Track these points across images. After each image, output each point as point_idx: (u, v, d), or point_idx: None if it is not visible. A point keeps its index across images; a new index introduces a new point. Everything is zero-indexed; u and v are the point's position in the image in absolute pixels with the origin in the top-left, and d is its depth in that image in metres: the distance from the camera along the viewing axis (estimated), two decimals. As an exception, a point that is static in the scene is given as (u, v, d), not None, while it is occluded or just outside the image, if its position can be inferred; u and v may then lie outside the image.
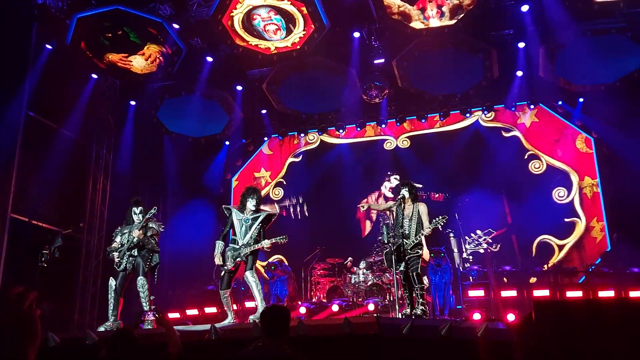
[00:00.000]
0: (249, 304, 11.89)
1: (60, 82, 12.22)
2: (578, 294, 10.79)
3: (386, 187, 14.88)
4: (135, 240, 8.18)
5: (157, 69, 12.50)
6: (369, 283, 11.53)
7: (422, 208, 7.85)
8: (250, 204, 8.02)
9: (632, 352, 4.23)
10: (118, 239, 8.39)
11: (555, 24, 11.49)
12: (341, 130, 15.32)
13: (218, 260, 7.92)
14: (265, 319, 3.87)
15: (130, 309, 11.48)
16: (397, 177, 14.41)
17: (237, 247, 7.88)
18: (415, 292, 7.57)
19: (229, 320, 7.83)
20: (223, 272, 7.94)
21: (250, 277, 7.83)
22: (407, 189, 8.01)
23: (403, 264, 7.60)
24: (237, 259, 7.81)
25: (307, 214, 15.13)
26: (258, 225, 7.90)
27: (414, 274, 7.56)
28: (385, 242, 7.83)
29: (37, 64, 11.56)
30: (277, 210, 14.35)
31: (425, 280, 10.27)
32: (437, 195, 13.97)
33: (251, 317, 7.64)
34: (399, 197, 7.98)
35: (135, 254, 8.21)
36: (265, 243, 7.73)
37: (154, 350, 4.38)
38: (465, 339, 5.52)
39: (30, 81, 11.42)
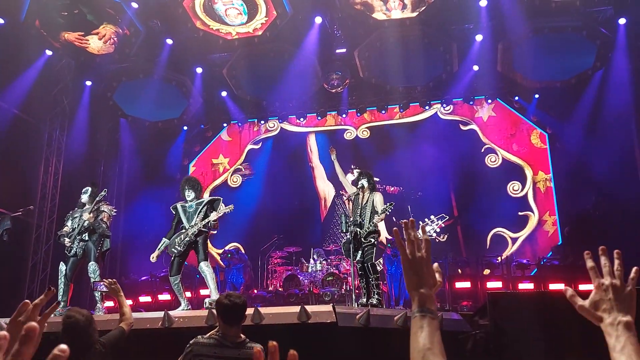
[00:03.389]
0: (203, 292, 11.77)
1: (11, 59, 11.81)
2: (530, 286, 11.04)
3: (349, 179, 14.85)
4: (86, 224, 7.97)
5: (114, 50, 12.19)
6: (326, 272, 11.55)
7: (377, 197, 7.90)
8: (188, 196, 8.01)
9: (582, 342, 4.34)
10: (69, 223, 8.17)
11: (514, 20, 11.68)
12: (302, 119, 15.28)
13: (154, 258, 7.91)
14: (222, 307, 3.81)
15: (81, 295, 11.27)
16: (359, 170, 14.38)
17: (185, 230, 7.85)
18: (371, 281, 7.62)
19: (183, 307, 7.73)
20: (172, 258, 7.87)
21: (205, 268, 7.75)
22: (366, 179, 8.08)
23: (360, 253, 7.65)
24: (186, 239, 7.74)
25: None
26: (203, 208, 7.87)
27: (369, 264, 7.62)
28: (344, 231, 7.86)
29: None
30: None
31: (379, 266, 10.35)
32: (393, 188, 14.07)
33: (207, 300, 7.59)
34: (358, 186, 8.03)
35: (86, 238, 8.01)
36: (212, 216, 7.69)
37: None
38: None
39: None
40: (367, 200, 7.88)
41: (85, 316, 3.75)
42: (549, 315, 4.79)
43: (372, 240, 7.67)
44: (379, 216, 7.63)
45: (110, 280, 4.66)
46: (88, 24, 11.64)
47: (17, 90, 12.11)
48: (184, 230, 7.86)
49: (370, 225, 7.65)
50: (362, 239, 7.65)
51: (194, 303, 10.51)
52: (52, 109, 13.63)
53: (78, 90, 13.84)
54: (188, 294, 8.47)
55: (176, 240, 7.84)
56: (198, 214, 7.82)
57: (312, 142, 15.60)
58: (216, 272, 12.87)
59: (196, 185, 8.20)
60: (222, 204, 7.89)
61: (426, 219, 12.42)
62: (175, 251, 7.79)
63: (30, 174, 12.98)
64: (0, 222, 8.96)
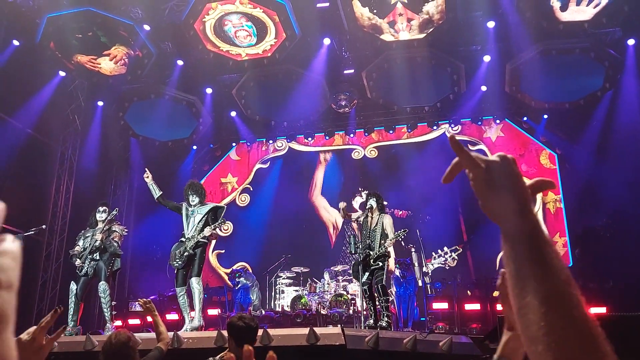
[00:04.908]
0: (210, 312, 11.79)
1: (26, 79, 11.98)
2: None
3: (357, 202, 14.79)
4: (97, 243, 8.03)
5: (126, 71, 12.36)
6: (334, 293, 11.50)
7: (387, 220, 7.90)
8: (192, 201, 8.10)
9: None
10: (81, 242, 8.24)
11: (521, 41, 11.73)
12: (310, 138, 15.34)
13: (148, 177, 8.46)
14: (235, 329, 3.82)
15: (90, 314, 11.29)
16: (367, 191, 14.30)
17: (184, 240, 7.89)
18: (380, 304, 7.60)
19: (188, 323, 7.68)
20: (175, 271, 7.93)
21: (195, 284, 7.75)
22: (374, 200, 8.08)
23: (367, 275, 7.64)
24: (185, 254, 7.77)
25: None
26: (205, 217, 7.91)
27: (379, 285, 7.60)
28: (353, 252, 7.86)
29: (1, 59, 11.33)
30: None
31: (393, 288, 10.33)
32: (401, 212, 14.03)
33: (186, 327, 7.54)
34: (367, 207, 8.03)
35: (97, 257, 8.07)
36: (206, 231, 7.75)
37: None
38: (429, 352, 5.55)
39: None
40: (377, 223, 7.87)
41: (126, 337, 3.73)
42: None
43: (381, 263, 7.67)
44: (390, 240, 7.64)
45: (145, 299, 4.70)
46: (101, 46, 11.83)
47: (31, 110, 12.26)
48: (183, 240, 7.92)
49: (381, 249, 7.65)
50: (372, 262, 7.65)
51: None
52: (65, 129, 13.78)
53: (90, 110, 14.01)
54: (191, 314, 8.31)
55: (176, 252, 7.90)
56: (197, 223, 7.88)
57: (318, 176, 15.56)
58: (224, 292, 12.94)
59: (200, 189, 8.29)
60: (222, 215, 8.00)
61: (439, 250, 12.42)
62: (177, 264, 7.85)
63: (42, 192, 13.06)
64: (12, 240, 9.01)
